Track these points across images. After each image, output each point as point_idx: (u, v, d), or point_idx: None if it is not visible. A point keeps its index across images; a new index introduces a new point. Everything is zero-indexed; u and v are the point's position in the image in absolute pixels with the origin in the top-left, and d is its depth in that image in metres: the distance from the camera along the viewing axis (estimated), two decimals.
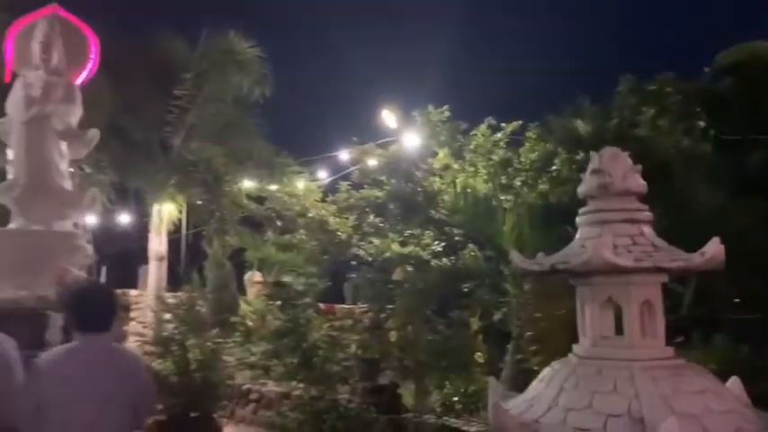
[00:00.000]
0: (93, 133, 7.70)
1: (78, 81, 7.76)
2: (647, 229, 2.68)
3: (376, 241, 8.70)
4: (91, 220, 10.07)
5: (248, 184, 13.23)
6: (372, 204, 8.51)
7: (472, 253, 7.14)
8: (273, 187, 12.71)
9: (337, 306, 10.81)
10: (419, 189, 7.95)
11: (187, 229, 14.33)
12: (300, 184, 12.66)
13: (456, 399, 5.77)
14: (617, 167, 2.70)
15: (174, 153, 12.63)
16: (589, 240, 2.63)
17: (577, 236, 2.76)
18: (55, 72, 7.42)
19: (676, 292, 6.18)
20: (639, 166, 2.75)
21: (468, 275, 7.03)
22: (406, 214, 8.10)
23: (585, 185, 2.77)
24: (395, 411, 5.71)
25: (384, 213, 8.44)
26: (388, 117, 10.88)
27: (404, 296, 6.53)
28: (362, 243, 8.88)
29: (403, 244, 8.73)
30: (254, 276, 13.33)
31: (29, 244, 6.83)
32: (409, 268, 8.08)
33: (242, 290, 13.08)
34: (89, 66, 7.85)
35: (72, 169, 7.74)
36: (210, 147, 12.49)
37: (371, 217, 8.62)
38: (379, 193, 8.72)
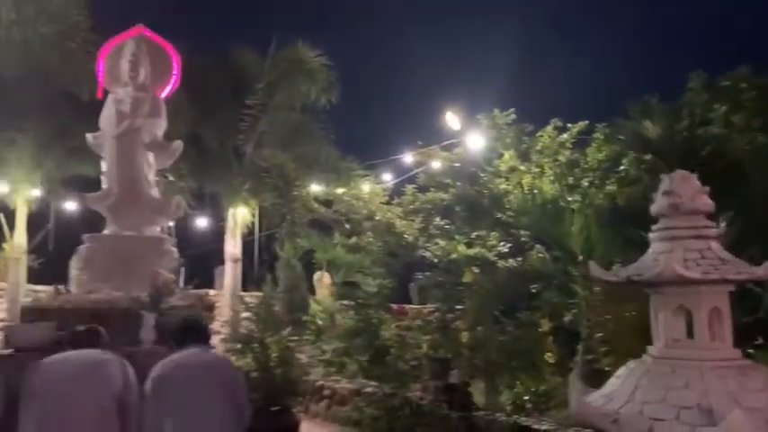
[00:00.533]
0: (177, 144, 8.25)
1: (163, 95, 8.34)
2: (715, 244, 2.95)
3: (442, 243, 8.86)
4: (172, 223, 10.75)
5: (316, 187, 13.69)
6: (438, 207, 8.66)
7: (539, 254, 7.19)
8: (340, 190, 13.10)
9: (399, 306, 11.03)
10: (485, 191, 8.04)
11: (260, 232, 14.91)
12: (366, 187, 13.01)
13: (526, 398, 5.87)
14: (686, 189, 3.00)
15: (247, 160, 13.19)
16: (662, 255, 2.94)
17: (650, 250, 3.07)
18: (142, 88, 8.00)
19: (755, 293, 6.05)
20: (707, 188, 3.01)
21: (536, 277, 7.08)
22: (472, 216, 8.21)
23: (658, 205, 3.08)
24: (466, 409, 5.85)
25: (450, 216, 8.58)
26: (452, 119, 11.02)
27: (472, 297, 6.66)
28: (428, 245, 9.05)
29: (469, 245, 8.86)
30: (322, 277, 13.76)
31: (122, 248, 7.40)
32: (475, 269, 8.20)
33: (311, 290, 13.52)
34: (172, 81, 8.41)
35: (158, 178, 8.33)
36: (281, 153, 12.99)
37: (437, 219, 8.79)
38: (445, 196, 8.86)
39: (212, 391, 3.21)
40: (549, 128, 8.59)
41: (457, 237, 8.50)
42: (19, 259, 11.31)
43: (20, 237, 11.45)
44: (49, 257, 12.19)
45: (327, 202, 12.72)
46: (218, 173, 13.34)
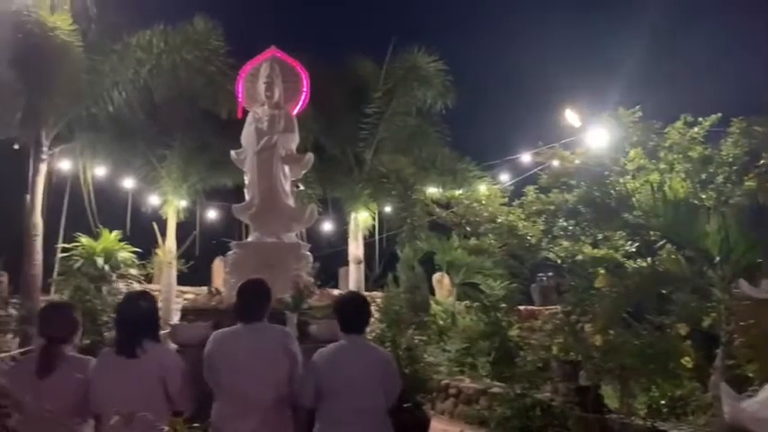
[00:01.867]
0: (309, 156, 8.86)
1: (295, 111, 9.01)
2: None
3: (566, 244, 8.78)
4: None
5: (432, 190, 13.98)
6: (562, 207, 8.59)
7: (672, 256, 6.96)
8: (457, 192, 13.29)
9: (527, 308, 11.03)
10: (611, 191, 7.88)
11: (380, 234, 15.46)
12: (482, 187, 13.10)
13: (662, 402, 5.77)
14: None
15: (367, 166, 13.76)
16: None
17: None
18: (277, 106, 8.68)
19: None
20: None
21: (668, 279, 6.87)
22: (598, 217, 8.08)
23: None
24: (599, 412, 5.86)
25: (575, 217, 8.49)
26: (572, 117, 10.82)
27: (602, 300, 6.60)
28: (551, 246, 9.01)
29: (595, 246, 8.72)
30: (442, 278, 14.02)
31: (264, 253, 8.09)
32: (602, 271, 8.07)
33: (431, 291, 13.82)
34: (302, 97, 9.04)
35: (293, 188, 9.00)
36: (399, 158, 13.43)
37: (561, 221, 8.72)
38: (568, 196, 8.77)
39: (371, 371, 3.56)
40: (679, 123, 8.25)
41: (582, 238, 8.40)
42: (170, 263, 12.58)
43: (170, 243, 12.74)
44: (196, 261, 13.44)
45: (446, 205, 12.96)
46: (339, 179, 14.05)
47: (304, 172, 9.10)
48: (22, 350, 9.27)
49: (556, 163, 9.60)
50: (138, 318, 3.45)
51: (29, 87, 9.89)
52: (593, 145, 8.95)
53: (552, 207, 8.77)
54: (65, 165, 12.15)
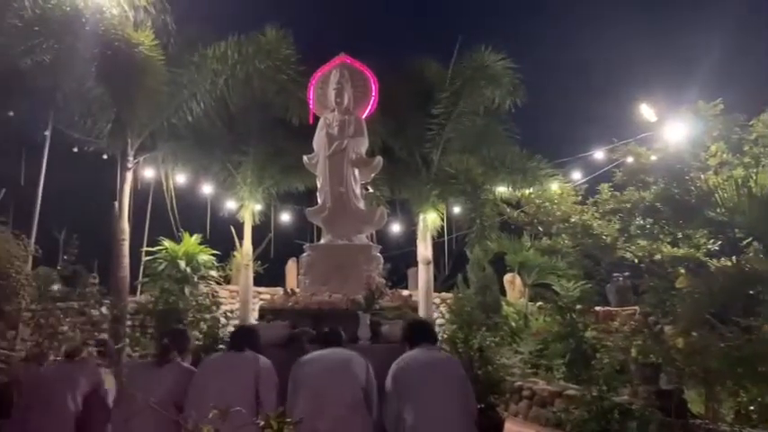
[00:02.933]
0: (378, 160, 9.02)
1: (364, 116, 9.18)
2: None
3: (643, 243, 8.50)
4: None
5: (502, 189, 13.81)
6: (639, 206, 8.31)
7: (760, 255, 6.61)
8: (528, 191, 13.07)
9: (603, 309, 10.74)
10: (691, 188, 7.57)
11: (449, 235, 15.45)
12: (554, 186, 12.83)
13: (751, 408, 5.51)
14: None
15: (435, 166, 13.76)
16: None
17: None
18: (347, 111, 8.90)
19: None
20: None
21: (757, 279, 6.53)
22: (677, 215, 7.78)
23: None
24: (682, 417, 5.66)
25: (653, 215, 8.19)
26: (647, 112, 10.45)
27: (684, 301, 6.36)
28: (628, 245, 8.73)
29: (674, 245, 8.39)
30: (513, 279, 13.86)
31: (337, 255, 8.30)
32: (682, 271, 7.77)
33: (502, 292, 13.68)
34: (371, 101, 9.21)
35: (363, 191, 9.17)
36: (467, 158, 13.36)
37: (638, 219, 8.44)
38: (645, 194, 8.48)
39: (445, 383, 3.63)
40: (766, 115, 7.82)
41: (660, 237, 8.10)
42: (247, 265, 13.06)
43: (247, 246, 13.23)
44: (270, 262, 13.88)
45: (516, 204, 12.78)
46: (407, 180, 14.11)
47: (373, 175, 9.27)
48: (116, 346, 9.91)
49: (631, 159, 9.30)
50: (245, 332, 3.75)
51: (116, 101, 10.54)
52: (670, 140, 8.62)
53: (628, 205, 8.49)
54: (148, 173, 12.86)
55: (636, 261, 8.74)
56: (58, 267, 9.69)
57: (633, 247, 8.45)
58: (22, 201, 10.08)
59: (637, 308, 8.52)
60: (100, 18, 9.17)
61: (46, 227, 10.19)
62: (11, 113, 9.37)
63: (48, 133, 10.29)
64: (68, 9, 8.80)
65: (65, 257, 9.67)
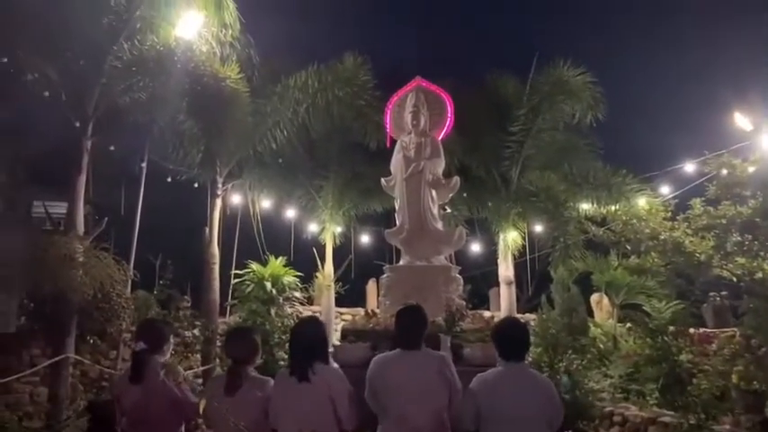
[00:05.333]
0: (456, 180, 9.01)
1: (440, 137, 9.23)
2: None
3: (742, 261, 7.94)
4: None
5: (586, 206, 13.39)
6: (735, 221, 7.79)
7: None
8: (614, 208, 12.60)
9: (700, 331, 10.10)
10: None
11: (531, 254, 15.11)
12: (642, 202, 12.28)
13: None
14: None
15: (514, 184, 13.58)
16: None
17: None
18: (423, 134, 8.98)
19: None
20: None
21: None
22: None
23: None
24: None
25: (751, 230, 7.66)
26: (742, 121, 9.84)
27: None
28: (725, 263, 8.19)
29: None
30: (601, 299, 13.32)
31: (416, 277, 8.32)
32: None
33: (589, 312, 13.17)
34: (447, 123, 9.25)
35: (441, 211, 9.17)
36: (548, 174, 13.10)
37: (735, 235, 7.91)
38: (742, 209, 7.95)
39: (534, 398, 3.54)
40: None
41: (761, 254, 7.55)
42: (329, 286, 13.34)
43: (329, 267, 13.54)
44: (351, 283, 14.11)
45: (602, 221, 12.34)
46: (486, 199, 14.00)
47: (451, 195, 9.26)
48: (204, 368, 10.36)
49: (725, 172, 8.77)
50: (310, 342, 3.77)
51: (205, 133, 11.17)
52: None
53: (723, 221, 7.97)
54: (236, 199, 13.49)
55: (734, 280, 8.18)
56: (155, 291, 10.28)
57: (731, 266, 7.91)
58: (122, 228, 10.82)
59: (736, 330, 7.95)
60: (190, 55, 9.78)
61: (143, 252, 10.86)
62: (111, 148, 10.11)
63: (144, 165, 11.02)
64: (162, 49, 9.44)
65: (160, 282, 10.25)
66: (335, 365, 3.90)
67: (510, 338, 3.74)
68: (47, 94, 8.81)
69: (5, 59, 8.40)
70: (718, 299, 11.35)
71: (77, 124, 8.92)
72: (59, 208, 9.67)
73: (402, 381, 3.75)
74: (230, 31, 10.32)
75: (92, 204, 10.11)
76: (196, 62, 9.94)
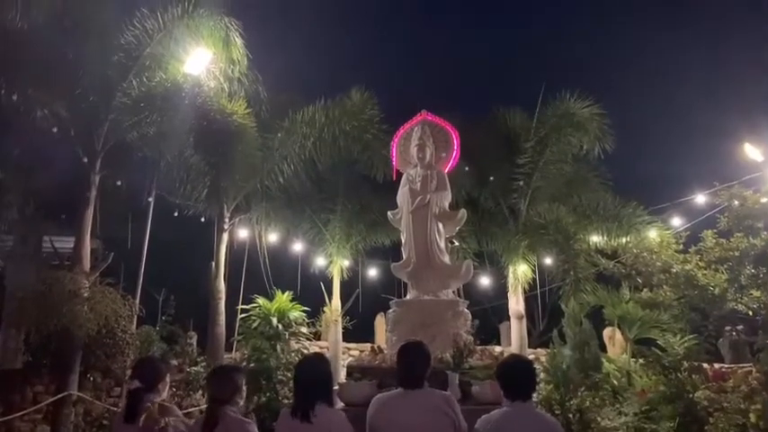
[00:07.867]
0: (462, 213, 8.91)
1: (446, 170, 9.18)
2: None
3: (757, 294, 7.76)
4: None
5: (596, 239, 13.23)
6: (749, 253, 7.63)
7: None
8: (624, 240, 12.44)
9: (716, 367, 9.81)
10: None
11: (542, 288, 14.89)
12: (653, 234, 12.12)
13: None
14: None
15: (522, 217, 13.47)
16: None
17: None
18: (429, 167, 8.92)
19: None
20: None
21: None
22: None
23: None
24: None
25: (766, 263, 7.50)
26: (752, 152, 9.75)
27: None
28: (740, 297, 8.00)
29: None
30: (613, 334, 13.01)
31: (423, 311, 8.15)
32: None
33: (602, 347, 12.87)
34: (453, 155, 9.21)
35: (448, 244, 9.06)
36: (557, 207, 12.99)
37: (749, 267, 7.74)
38: (755, 240, 7.80)
39: None
40: None
41: None
42: (336, 321, 13.17)
43: (336, 301, 13.39)
44: (359, 318, 13.93)
45: (612, 254, 12.16)
46: (495, 232, 13.89)
47: (458, 228, 9.16)
48: (203, 407, 10.15)
49: (736, 203, 8.65)
50: (313, 381, 3.64)
51: (212, 167, 11.22)
52: None
53: (737, 253, 7.83)
54: (243, 233, 13.42)
55: (750, 313, 7.99)
56: (157, 327, 10.19)
57: (745, 299, 7.73)
58: (129, 262, 10.80)
59: (753, 366, 7.70)
60: (198, 91, 9.90)
61: (150, 287, 10.81)
62: (119, 182, 10.17)
63: (151, 199, 11.06)
64: (170, 85, 9.56)
65: (163, 318, 10.17)
66: (341, 405, 3.76)
67: (514, 377, 3.59)
68: (55, 130, 8.90)
69: (15, 96, 8.52)
70: (734, 333, 11.07)
71: (86, 159, 8.99)
72: (67, 243, 9.68)
73: (403, 421, 3.60)
74: (238, 67, 10.45)
75: (99, 239, 10.12)
76: (204, 98, 10.04)
